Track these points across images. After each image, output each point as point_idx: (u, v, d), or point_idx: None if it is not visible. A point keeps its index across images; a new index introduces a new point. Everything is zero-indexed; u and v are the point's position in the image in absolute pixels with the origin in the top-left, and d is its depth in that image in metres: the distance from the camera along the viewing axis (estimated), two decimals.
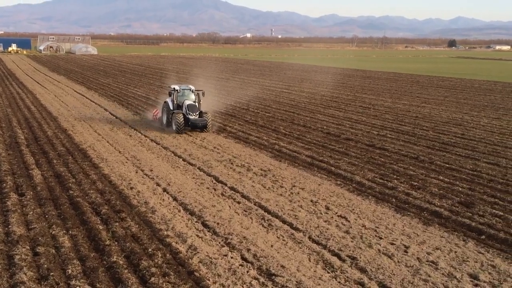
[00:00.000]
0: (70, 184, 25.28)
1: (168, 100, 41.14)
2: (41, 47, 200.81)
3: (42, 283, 15.41)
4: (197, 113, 39.73)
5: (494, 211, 22.92)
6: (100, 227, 19.93)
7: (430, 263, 17.68)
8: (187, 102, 40.09)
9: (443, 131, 43.04)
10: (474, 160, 32.62)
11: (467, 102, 63.76)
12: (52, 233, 19.16)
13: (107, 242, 18.42)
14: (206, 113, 40.24)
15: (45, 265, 16.35)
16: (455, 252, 18.71)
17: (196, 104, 40.31)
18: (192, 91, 41.44)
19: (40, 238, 18.45)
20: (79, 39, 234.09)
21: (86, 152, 32.62)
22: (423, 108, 57.81)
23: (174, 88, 40.99)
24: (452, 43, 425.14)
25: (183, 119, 39.01)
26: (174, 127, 39.51)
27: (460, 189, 26.26)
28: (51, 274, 15.82)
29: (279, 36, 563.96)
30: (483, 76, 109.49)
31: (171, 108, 40.53)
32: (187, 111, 39.46)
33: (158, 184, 26.25)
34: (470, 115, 52.29)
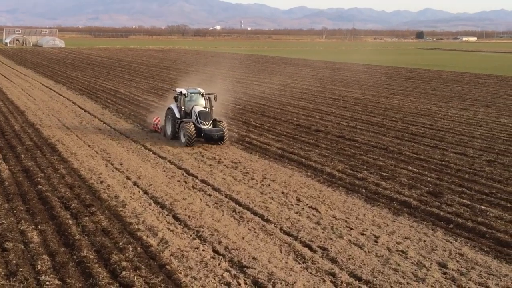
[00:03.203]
0: (39, 179, 25.01)
1: (173, 106, 34.85)
2: (7, 40, 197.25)
3: (11, 279, 15.24)
4: (211, 121, 33.54)
5: (461, 200, 23.28)
6: (70, 221, 19.76)
7: (400, 253, 17.89)
8: (198, 109, 33.84)
9: (412, 122, 43.49)
10: (442, 150, 33.04)
11: (435, 93, 64.47)
12: (21, 228, 18.95)
13: (77, 237, 18.28)
14: (220, 121, 33.97)
15: (14, 261, 16.17)
16: (424, 241, 18.96)
17: (208, 110, 34.21)
18: (202, 95, 35.03)
19: (8, 234, 18.24)
20: (46, 31, 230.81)
21: (54, 146, 32.27)
22: (392, 99, 58.33)
23: (181, 92, 34.66)
24: (420, 35, 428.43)
25: (194, 129, 32.89)
26: (183, 139, 33.18)
27: (429, 179, 26.59)
28: (20, 270, 15.67)
29: (249, 29, 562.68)
30: (450, 67, 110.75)
31: (178, 116, 34.20)
32: (199, 120, 33.14)
33: (128, 178, 26.10)
34: (438, 106, 52.90)
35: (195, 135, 32.78)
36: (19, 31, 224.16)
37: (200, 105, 34.53)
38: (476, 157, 31.36)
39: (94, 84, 69.26)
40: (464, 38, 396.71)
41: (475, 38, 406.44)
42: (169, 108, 35.30)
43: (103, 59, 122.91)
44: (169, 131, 34.97)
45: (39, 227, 19.21)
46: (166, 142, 34.20)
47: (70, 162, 28.83)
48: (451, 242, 18.90)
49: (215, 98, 34.73)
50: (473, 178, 26.83)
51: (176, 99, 34.83)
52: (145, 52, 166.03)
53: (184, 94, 34.45)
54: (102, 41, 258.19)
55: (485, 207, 22.35)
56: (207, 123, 33.17)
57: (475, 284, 15.80)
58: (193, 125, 32.97)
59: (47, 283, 15.05)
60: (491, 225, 20.32)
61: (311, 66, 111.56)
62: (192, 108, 34.12)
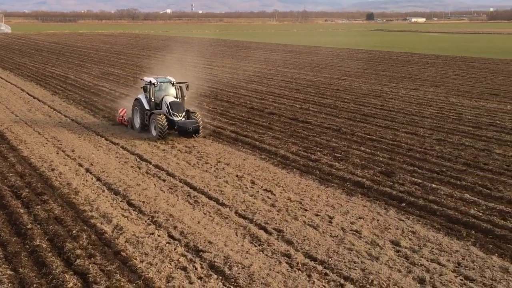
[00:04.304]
0: None
1: (141, 97, 32.79)
2: None
3: None
4: (183, 113, 31.48)
5: (413, 179, 23.70)
6: (21, 210, 19.44)
7: (354, 232, 18.14)
8: (169, 99, 31.68)
9: (364, 103, 43.96)
10: (394, 130, 33.53)
11: (386, 74, 65.27)
12: None
13: (29, 226, 18.00)
14: (194, 112, 31.96)
15: None
16: (377, 220, 19.26)
17: (180, 101, 32.16)
18: (173, 84, 32.85)
19: None
20: None
21: (3, 134, 31.59)
22: (343, 80, 58.81)
23: (150, 82, 32.37)
24: (370, 16, 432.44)
25: (166, 121, 30.92)
26: (154, 132, 31.14)
27: (381, 159, 26.98)
28: None
29: (200, 12, 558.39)
30: (400, 48, 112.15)
31: (147, 107, 32.20)
32: (171, 111, 31.05)
33: (80, 165, 25.75)
34: (389, 87, 53.58)
35: (167, 128, 30.78)
36: None
37: (170, 95, 32.46)
38: (426, 136, 31.94)
39: (43, 70, 67.87)
40: (413, 19, 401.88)
41: (424, 19, 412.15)
42: (136, 99, 33.28)
43: (51, 45, 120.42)
44: (137, 123, 32.98)
45: None
46: (118, 128, 33.79)
47: (20, 150, 28.27)
48: (403, 221, 19.25)
49: (187, 87, 32.70)
50: (424, 157, 27.34)
51: (144, 89, 32.55)
52: (94, 37, 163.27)
53: (154, 84, 32.21)
54: (50, 26, 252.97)
55: (435, 185, 22.82)
56: (180, 114, 31.12)
57: (427, 260, 16.15)
58: (164, 117, 30.92)
59: None
60: (442, 203, 20.77)
61: (263, 49, 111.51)
62: (162, 99, 32.07)
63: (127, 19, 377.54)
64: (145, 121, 32.20)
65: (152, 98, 32.14)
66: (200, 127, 31.40)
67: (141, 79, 35.38)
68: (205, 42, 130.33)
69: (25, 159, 26.60)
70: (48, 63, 77.41)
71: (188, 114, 31.62)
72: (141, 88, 33.33)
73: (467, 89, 51.99)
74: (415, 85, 55.16)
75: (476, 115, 38.54)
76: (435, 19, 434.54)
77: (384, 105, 42.64)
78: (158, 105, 32.18)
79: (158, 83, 32.50)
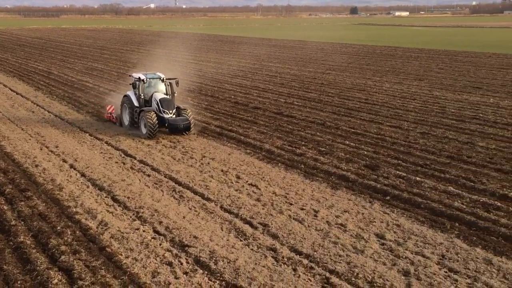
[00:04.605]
0: None
1: (130, 93, 31.96)
2: None
3: None
4: (174, 110, 30.71)
5: (397, 172, 23.82)
6: (5, 207, 19.34)
7: (339, 226, 18.20)
8: (159, 96, 30.93)
9: (348, 96, 44.07)
10: (378, 124, 33.65)
11: (370, 68, 65.44)
12: None
13: (13, 222, 17.90)
14: (185, 109, 31.16)
15: None
16: (362, 213, 19.34)
17: (170, 97, 31.38)
18: (162, 80, 31.97)
19: None
20: None
21: None
22: (328, 75, 58.90)
23: (139, 78, 31.43)
24: (354, 10, 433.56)
25: (156, 119, 30.08)
26: (144, 130, 30.27)
27: (365, 152, 27.08)
28: None
29: (184, 6, 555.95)
30: (384, 42, 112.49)
31: (136, 104, 31.34)
32: (161, 108, 30.31)
33: (64, 161, 25.61)
34: (373, 81, 53.74)
35: (157, 125, 29.91)
36: None
37: (160, 91, 31.69)
38: (410, 129, 32.08)
39: (26, 65, 67.37)
40: (397, 13, 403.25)
41: (407, 13, 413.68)
42: (125, 96, 32.38)
43: (34, 40, 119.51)
44: (126, 121, 32.26)
45: None
46: (102, 123, 33.62)
47: (3, 146, 28.07)
48: (388, 214, 19.34)
49: (177, 83, 31.96)
50: (408, 151, 27.47)
51: (133, 86, 31.59)
52: (78, 32, 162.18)
53: (143, 80, 31.20)
54: (32, 21, 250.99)
55: (420, 179, 22.94)
56: (170, 111, 30.33)
57: (412, 253, 16.25)
58: (154, 114, 30.03)
59: None
60: (426, 196, 20.89)
61: (247, 44, 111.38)
62: (152, 95, 31.27)
63: (110, 14, 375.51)
64: (135, 118, 31.35)
65: (142, 94, 31.22)
66: (192, 125, 30.65)
67: (129, 76, 34.43)
68: (189, 37, 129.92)
69: (8, 155, 26.41)
70: (31, 58, 76.85)
71: (179, 111, 30.83)
72: (130, 84, 32.38)
73: (450, 82, 52.27)
74: (398, 78, 55.36)
75: (460, 108, 38.77)
76: (422, 12, 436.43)
77: (368, 99, 42.76)
78: (147, 102, 31.37)
79: (147, 79, 31.46)
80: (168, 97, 31.23)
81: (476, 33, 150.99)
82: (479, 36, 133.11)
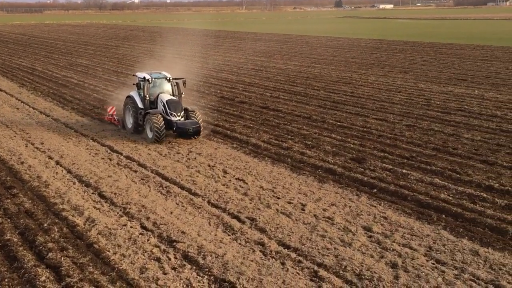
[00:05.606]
0: None
1: (134, 94, 29.78)
2: None
3: None
4: (182, 112, 28.61)
5: (384, 165, 23.92)
6: None
7: (327, 219, 18.26)
8: (165, 97, 28.79)
9: (334, 90, 44.13)
10: (364, 117, 33.75)
11: (355, 61, 65.55)
12: None
13: None
14: (193, 111, 29.03)
15: None
16: (350, 207, 19.41)
17: (178, 99, 29.35)
18: (169, 80, 29.73)
19: None
20: None
21: None
22: (313, 68, 58.94)
23: (144, 78, 29.30)
24: (338, 3, 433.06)
25: (163, 122, 28.05)
26: (150, 134, 28.17)
27: (352, 145, 27.16)
28: None
29: (168, 1, 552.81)
30: (369, 35, 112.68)
31: (140, 106, 29.21)
32: (168, 110, 28.18)
33: (50, 157, 25.48)
34: (358, 74, 53.85)
35: (164, 129, 27.90)
36: None
37: (166, 92, 29.58)
38: (396, 122, 32.21)
39: (9, 62, 66.88)
40: (381, 6, 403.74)
41: (392, 6, 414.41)
42: (128, 97, 30.15)
43: (17, 36, 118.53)
44: (129, 124, 30.08)
45: None
46: (88, 120, 33.45)
47: None
48: (375, 206, 19.43)
49: (184, 83, 30.02)
50: (394, 143, 27.59)
51: (138, 86, 29.45)
52: (61, 27, 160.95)
53: (148, 80, 29.09)
54: (15, 17, 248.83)
55: (406, 171, 23.06)
56: (178, 114, 28.22)
57: (399, 245, 16.33)
58: (161, 117, 27.99)
59: None
60: (413, 188, 21.01)
61: (232, 38, 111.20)
62: (157, 96, 29.22)
63: (94, 9, 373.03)
64: (139, 121, 29.20)
65: (147, 95, 29.11)
66: (201, 128, 28.88)
67: (133, 75, 32.19)
68: (174, 32, 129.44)
69: None
70: (15, 54, 76.29)
71: (187, 114, 28.79)
72: (135, 84, 30.18)
73: (435, 74, 52.48)
74: (384, 71, 55.50)
75: (445, 100, 38.96)
76: (412, 5, 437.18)
77: (354, 92, 42.85)
78: (152, 103, 29.32)
79: (153, 79, 29.32)
80: (175, 98, 29.19)
81: (460, 25, 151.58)
82: (463, 28, 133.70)
